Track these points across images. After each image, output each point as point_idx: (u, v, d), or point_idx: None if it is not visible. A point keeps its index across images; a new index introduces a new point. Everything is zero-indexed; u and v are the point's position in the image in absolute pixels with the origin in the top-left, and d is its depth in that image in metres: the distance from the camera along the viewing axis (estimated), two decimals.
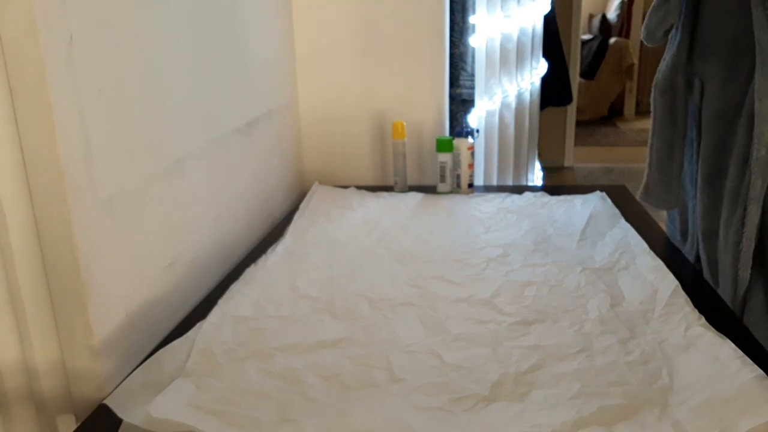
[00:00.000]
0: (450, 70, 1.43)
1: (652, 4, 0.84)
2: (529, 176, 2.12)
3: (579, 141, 4.50)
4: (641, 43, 5.80)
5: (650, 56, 5.82)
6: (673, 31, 0.84)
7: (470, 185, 1.30)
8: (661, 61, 0.86)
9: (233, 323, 0.78)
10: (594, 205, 1.16)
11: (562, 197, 1.22)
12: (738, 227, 0.76)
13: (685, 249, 0.92)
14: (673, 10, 0.80)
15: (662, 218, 1.08)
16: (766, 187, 0.73)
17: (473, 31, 1.53)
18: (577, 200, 1.20)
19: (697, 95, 0.82)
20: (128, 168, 0.72)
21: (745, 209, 0.74)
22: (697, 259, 0.89)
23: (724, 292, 0.80)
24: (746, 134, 0.74)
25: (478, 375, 0.66)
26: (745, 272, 0.76)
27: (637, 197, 0.91)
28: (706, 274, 0.85)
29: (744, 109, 0.75)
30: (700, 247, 0.85)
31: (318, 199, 1.23)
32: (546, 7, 1.86)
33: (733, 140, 0.77)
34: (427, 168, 1.40)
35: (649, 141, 0.88)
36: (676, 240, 0.96)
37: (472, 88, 1.59)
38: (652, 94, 0.86)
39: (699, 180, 0.82)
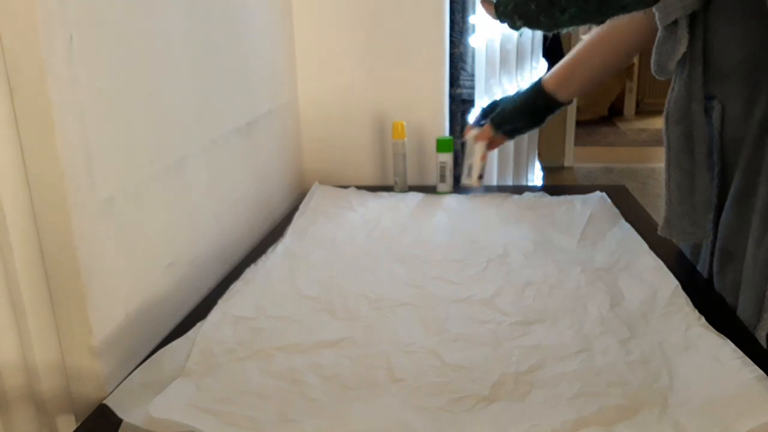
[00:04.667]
0: (450, 70, 1.43)
1: (658, 38, 0.82)
2: (529, 176, 2.12)
3: (579, 141, 4.51)
4: None
5: (650, 56, 5.82)
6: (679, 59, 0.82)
7: (480, 176, 1.23)
8: (669, 90, 0.83)
9: (233, 323, 0.78)
10: (594, 205, 1.16)
11: (562, 197, 1.22)
12: None
13: (698, 267, 0.91)
14: (681, 40, 0.78)
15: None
16: None
17: (473, 31, 1.53)
18: (577, 200, 1.20)
19: (717, 118, 0.80)
20: (128, 168, 0.72)
21: None
22: (708, 277, 0.87)
23: (744, 313, 0.78)
24: None
25: (478, 375, 0.66)
26: None
27: (659, 232, 0.88)
28: (720, 295, 0.83)
29: None
30: (718, 266, 0.83)
31: (318, 199, 1.23)
32: None
33: (762, 159, 0.75)
34: (427, 168, 1.40)
35: (665, 174, 0.84)
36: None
37: (472, 88, 1.59)
38: (664, 125, 0.83)
39: (727, 200, 0.80)
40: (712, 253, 0.85)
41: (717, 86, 0.80)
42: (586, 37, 1.09)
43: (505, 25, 0.81)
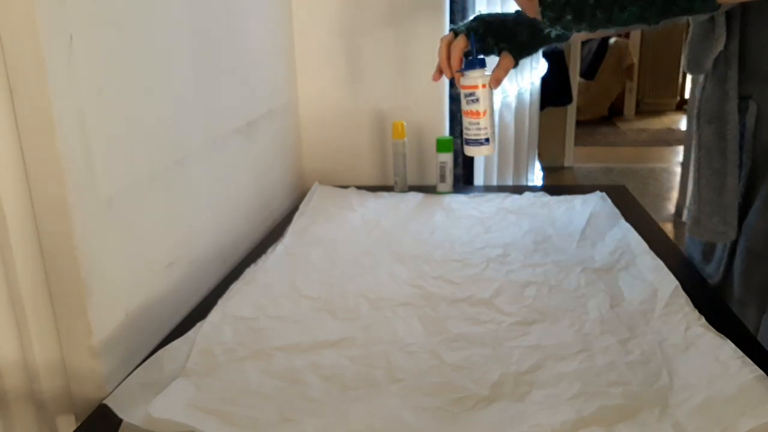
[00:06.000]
0: None
1: (692, 34, 0.81)
2: (529, 176, 2.12)
3: (579, 141, 4.51)
4: (641, 42, 5.81)
5: (650, 56, 5.83)
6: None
7: (486, 140, 0.93)
8: (700, 89, 0.83)
9: (233, 323, 0.78)
10: (594, 205, 1.16)
11: (562, 197, 1.22)
12: None
13: (709, 268, 0.90)
14: (718, 38, 0.77)
15: (662, 218, 1.08)
16: None
17: None
18: (577, 200, 1.20)
19: (752, 119, 0.79)
20: (128, 168, 0.72)
21: None
22: (723, 280, 0.86)
23: None
24: None
25: (478, 375, 0.66)
26: None
27: (687, 231, 0.87)
28: (745, 296, 0.83)
29: None
30: (744, 267, 0.82)
31: (318, 199, 1.24)
32: None
33: None
34: (427, 168, 1.40)
35: (695, 173, 0.84)
36: (696, 260, 0.93)
37: None
38: (695, 124, 0.82)
39: (757, 201, 0.80)
40: (730, 254, 0.85)
41: (753, 86, 0.79)
42: None
43: (544, 22, 0.75)
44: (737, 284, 0.83)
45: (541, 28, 0.90)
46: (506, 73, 0.93)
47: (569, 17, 0.72)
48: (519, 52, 0.93)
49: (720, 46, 0.77)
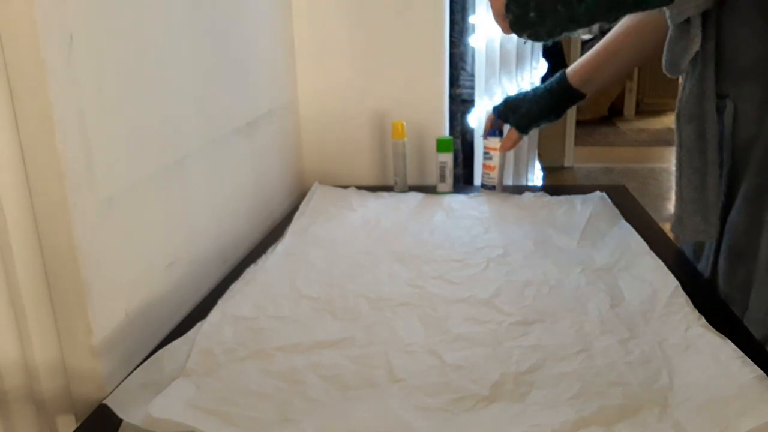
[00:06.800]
0: (450, 70, 1.43)
1: (670, 36, 0.82)
2: (529, 176, 2.12)
3: (579, 141, 4.51)
4: None
5: None
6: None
7: (492, 187, 1.29)
8: (681, 89, 0.84)
9: (233, 323, 0.78)
10: (594, 205, 1.16)
11: (562, 197, 1.22)
12: None
13: (700, 266, 0.90)
14: (694, 38, 0.78)
15: (662, 218, 1.08)
16: None
17: (473, 31, 1.53)
18: (577, 200, 1.20)
19: (729, 118, 0.80)
20: (128, 168, 0.72)
21: None
22: (711, 277, 0.87)
23: (756, 313, 0.77)
24: None
25: (478, 375, 0.66)
26: None
27: (671, 230, 0.87)
28: (729, 295, 0.83)
29: None
30: (726, 265, 0.83)
31: (318, 199, 1.24)
32: None
33: None
34: (427, 168, 1.40)
35: (677, 172, 0.85)
36: (690, 259, 0.94)
37: (472, 88, 1.59)
38: (676, 124, 0.84)
39: (738, 199, 0.80)
40: (716, 252, 0.85)
41: (730, 86, 0.79)
42: (614, 30, 1.05)
43: (510, 19, 0.77)
44: (722, 282, 0.83)
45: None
46: (510, 141, 1.22)
47: (533, 14, 0.75)
48: (521, 122, 1.18)
49: (695, 47, 0.78)
